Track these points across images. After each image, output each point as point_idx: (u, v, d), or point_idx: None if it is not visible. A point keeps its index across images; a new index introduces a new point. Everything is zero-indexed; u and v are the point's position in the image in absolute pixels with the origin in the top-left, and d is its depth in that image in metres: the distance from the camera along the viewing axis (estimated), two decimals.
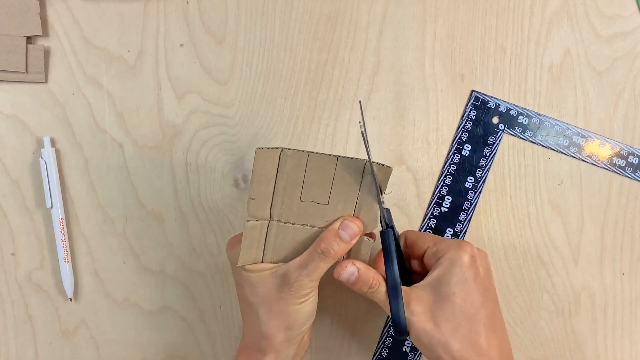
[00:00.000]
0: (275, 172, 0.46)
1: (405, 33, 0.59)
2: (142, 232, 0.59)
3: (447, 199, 0.59)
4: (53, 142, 0.58)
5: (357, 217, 0.48)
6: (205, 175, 0.59)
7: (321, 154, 0.46)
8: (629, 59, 0.59)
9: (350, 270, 0.48)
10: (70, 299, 0.58)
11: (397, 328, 0.47)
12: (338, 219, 0.48)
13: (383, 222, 0.49)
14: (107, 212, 0.59)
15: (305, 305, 0.48)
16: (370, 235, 0.50)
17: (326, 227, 0.48)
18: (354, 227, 0.47)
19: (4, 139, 0.58)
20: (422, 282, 0.48)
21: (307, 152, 0.46)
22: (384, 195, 0.48)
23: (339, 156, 0.46)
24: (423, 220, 0.59)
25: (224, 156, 0.59)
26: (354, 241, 0.47)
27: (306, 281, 0.46)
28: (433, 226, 0.59)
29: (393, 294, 0.47)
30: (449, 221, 0.59)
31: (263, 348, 0.48)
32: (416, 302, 0.46)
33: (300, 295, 0.47)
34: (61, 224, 0.57)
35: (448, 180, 0.59)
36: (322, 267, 0.47)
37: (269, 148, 0.45)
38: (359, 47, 0.59)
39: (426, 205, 0.59)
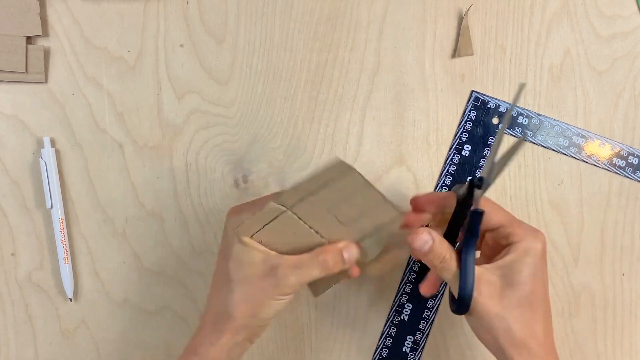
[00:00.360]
0: (330, 180, 0.46)
1: (405, 33, 0.59)
2: (142, 232, 0.59)
3: None
4: (53, 142, 0.58)
5: (359, 246, 0.48)
6: (205, 175, 0.59)
7: (373, 188, 0.45)
8: (629, 59, 0.59)
9: (424, 239, 0.46)
10: (70, 299, 0.58)
11: (462, 303, 0.46)
12: (344, 240, 0.48)
13: (476, 202, 0.47)
14: (107, 212, 0.59)
15: (280, 304, 0.47)
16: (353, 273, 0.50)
17: (328, 241, 0.48)
18: (354, 254, 0.48)
19: (4, 139, 0.58)
20: (492, 265, 0.48)
21: (369, 183, 0.45)
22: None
23: (385, 198, 0.45)
24: None
25: (224, 156, 0.59)
26: (347, 266, 0.48)
27: (293, 281, 0.46)
28: None
29: (465, 271, 0.46)
30: None
31: (223, 327, 0.47)
32: (485, 284, 0.46)
33: (281, 292, 0.46)
34: (61, 224, 0.57)
35: (448, 181, 0.59)
36: (314, 274, 0.47)
37: (348, 165, 0.44)
38: (359, 47, 0.59)
39: None
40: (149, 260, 0.59)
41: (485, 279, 0.47)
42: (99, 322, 0.59)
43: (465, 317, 0.48)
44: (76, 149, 0.58)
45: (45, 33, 0.58)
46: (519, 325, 0.46)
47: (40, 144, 0.58)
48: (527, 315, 0.46)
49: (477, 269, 0.47)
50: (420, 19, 0.59)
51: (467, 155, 0.58)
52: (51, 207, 0.57)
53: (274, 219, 0.47)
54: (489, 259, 0.50)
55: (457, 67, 0.59)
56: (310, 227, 0.48)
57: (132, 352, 0.59)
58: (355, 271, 0.50)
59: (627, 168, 0.58)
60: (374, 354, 0.59)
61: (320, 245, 0.48)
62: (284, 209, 0.47)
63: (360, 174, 0.45)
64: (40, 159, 0.57)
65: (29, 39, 0.57)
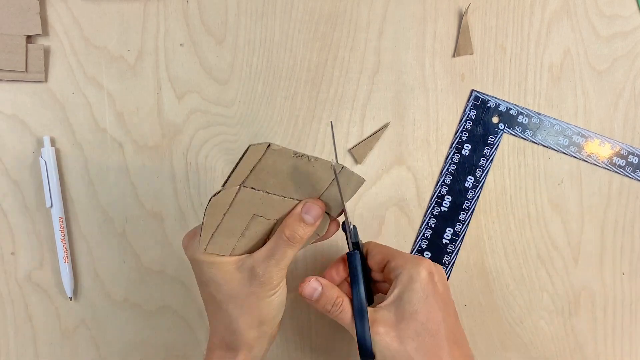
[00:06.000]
0: (255, 164, 0.44)
1: (405, 33, 0.59)
2: (142, 232, 0.59)
3: (447, 198, 0.59)
4: (53, 142, 0.58)
5: (319, 199, 0.47)
6: (205, 175, 0.59)
7: (300, 155, 0.45)
8: (629, 58, 0.59)
9: (313, 286, 0.47)
10: (70, 299, 0.58)
11: (363, 350, 0.46)
12: (300, 202, 0.47)
13: (349, 241, 0.49)
14: (107, 212, 0.59)
15: (276, 296, 0.47)
16: (335, 220, 0.49)
17: (288, 212, 0.47)
18: (317, 209, 0.46)
19: (4, 139, 0.58)
20: (385, 302, 0.47)
21: (293, 151, 0.44)
22: (346, 208, 0.47)
23: (310, 156, 0.45)
24: (423, 220, 0.59)
25: (224, 156, 0.59)
26: (317, 223, 0.46)
27: (275, 271, 0.45)
28: (433, 226, 0.59)
29: (359, 316, 0.46)
30: (448, 221, 0.59)
31: (235, 346, 0.47)
32: (380, 323, 0.46)
33: (271, 287, 0.46)
34: (61, 223, 0.57)
35: (448, 180, 0.59)
36: (289, 254, 0.46)
37: (259, 144, 0.44)
38: (359, 47, 0.59)
39: (426, 205, 0.59)
40: (149, 260, 0.59)
41: (380, 317, 0.47)
42: (99, 322, 0.59)
43: None
44: (76, 149, 0.58)
45: (45, 32, 0.58)
46: (421, 356, 0.45)
47: (40, 144, 0.58)
48: (428, 344, 0.46)
49: (371, 310, 0.47)
50: (420, 18, 0.59)
51: (467, 154, 0.59)
52: (51, 207, 0.57)
53: (230, 204, 0.45)
54: None
55: (457, 66, 0.59)
56: (272, 194, 0.46)
57: (132, 352, 0.59)
58: (333, 227, 0.49)
59: (627, 167, 0.58)
60: None
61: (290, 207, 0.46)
62: (234, 187, 0.45)
63: (274, 145, 0.44)
64: (40, 158, 0.57)
65: (29, 38, 0.57)
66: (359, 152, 0.58)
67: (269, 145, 0.44)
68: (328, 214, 0.48)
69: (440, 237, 0.59)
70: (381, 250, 0.50)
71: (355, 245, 0.49)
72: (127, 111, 0.59)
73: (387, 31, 0.59)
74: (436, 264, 0.50)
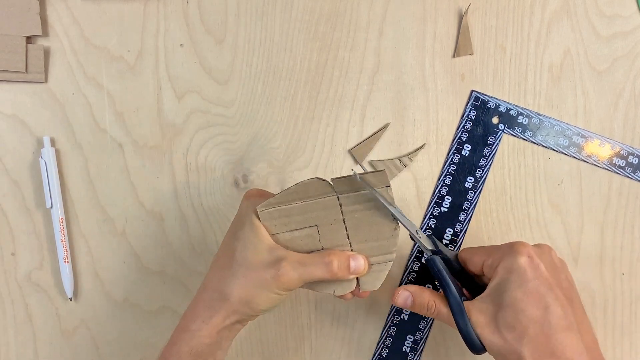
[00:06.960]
0: (364, 188, 0.47)
1: (405, 33, 0.59)
2: (142, 232, 0.59)
3: (447, 199, 0.59)
4: (53, 142, 0.58)
5: (368, 261, 0.49)
6: (205, 175, 0.59)
7: (393, 219, 0.48)
8: (629, 58, 0.59)
9: (404, 296, 0.50)
10: (70, 299, 0.58)
11: (472, 346, 0.47)
12: (354, 251, 0.49)
13: (427, 250, 0.51)
14: (107, 212, 0.59)
15: (276, 298, 0.47)
16: (357, 292, 0.50)
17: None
18: (361, 266, 0.48)
19: (4, 139, 0.58)
20: (481, 295, 0.47)
21: (393, 211, 0.47)
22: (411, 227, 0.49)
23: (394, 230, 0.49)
24: (423, 220, 0.59)
25: (224, 156, 0.59)
26: (352, 276, 0.48)
27: (294, 278, 0.46)
28: (433, 226, 0.59)
29: (459, 314, 0.47)
30: (448, 221, 0.59)
31: (217, 307, 0.47)
32: (478, 314, 0.46)
33: (279, 287, 0.46)
34: (61, 223, 0.57)
35: (448, 180, 0.59)
36: (316, 275, 0.47)
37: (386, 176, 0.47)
38: (359, 47, 0.59)
39: (426, 205, 0.59)
40: (149, 260, 0.59)
41: (476, 309, 0.47)
42: (99, 322, 0.59)
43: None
44: (76, 149, 0.58)
45: (45, 33, 0.58)
46: (526, 345, 0.44)
47: (40, 144, 0.58)
48: (532, 331, 0.44)
49: (467, 303, 0.47)
50: (420, 18, 0.59)
51: (467, 154, 0.58)
52: (51, 207, 0.57)
53: (314, 198, 0.47)
54: None
55: (457, 66, 0.59)
56: (345, 226, 0.48)
57: (132, 352, 0.59)
58: (348, 296, 0.50)
59: (627, 168, 0.58)
60: (374, 353, 0.59)
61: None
62: (334, 193, 0.47)
63: (390, 190, 0.47)
64: (40, 158, 0.57)
65: (29, 39, 0.57)
66: (359, 152, 0.58)
67: (388, 186, 0.47)
68: (358, 281, 0.49)
69: (440, 237, 0.59)
70: (476, 252, 0.50)
71: (435, 252, 0.51)
72: (127, 111, 0.59)
73: (387, 31, 0.59)
74: (540, 244, 0.49)
